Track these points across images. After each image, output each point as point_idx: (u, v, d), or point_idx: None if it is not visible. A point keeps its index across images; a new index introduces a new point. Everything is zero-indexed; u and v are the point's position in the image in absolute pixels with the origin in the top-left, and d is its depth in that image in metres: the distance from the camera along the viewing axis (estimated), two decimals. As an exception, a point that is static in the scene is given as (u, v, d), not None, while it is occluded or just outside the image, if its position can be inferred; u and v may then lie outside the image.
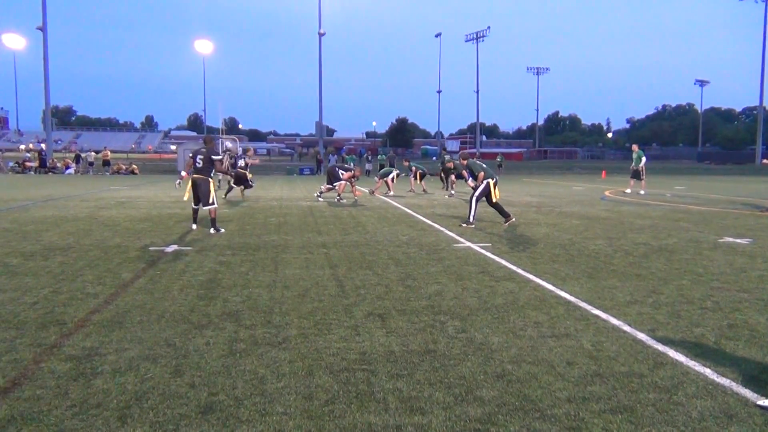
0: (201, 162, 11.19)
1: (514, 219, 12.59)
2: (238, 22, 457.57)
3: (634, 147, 23.84)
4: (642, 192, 22.52)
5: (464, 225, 12.24)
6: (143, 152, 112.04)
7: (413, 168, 23.75)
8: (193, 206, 11.53)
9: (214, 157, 11.29)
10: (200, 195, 11.23)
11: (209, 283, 6.90)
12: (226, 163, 11.26)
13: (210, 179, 11.28)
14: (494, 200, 12.36)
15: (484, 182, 12.29)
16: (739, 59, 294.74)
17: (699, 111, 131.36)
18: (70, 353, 4.46)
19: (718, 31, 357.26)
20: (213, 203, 11.28)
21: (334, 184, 18.48)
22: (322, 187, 19.45)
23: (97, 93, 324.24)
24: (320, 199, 18.97)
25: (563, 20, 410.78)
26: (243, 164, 19.25)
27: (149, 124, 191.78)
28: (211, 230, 11.16)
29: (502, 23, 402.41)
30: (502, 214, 12.41)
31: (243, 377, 4.04)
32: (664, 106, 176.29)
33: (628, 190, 22.93)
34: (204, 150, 11.28)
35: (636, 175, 22.92)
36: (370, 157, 46.81)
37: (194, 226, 11.54)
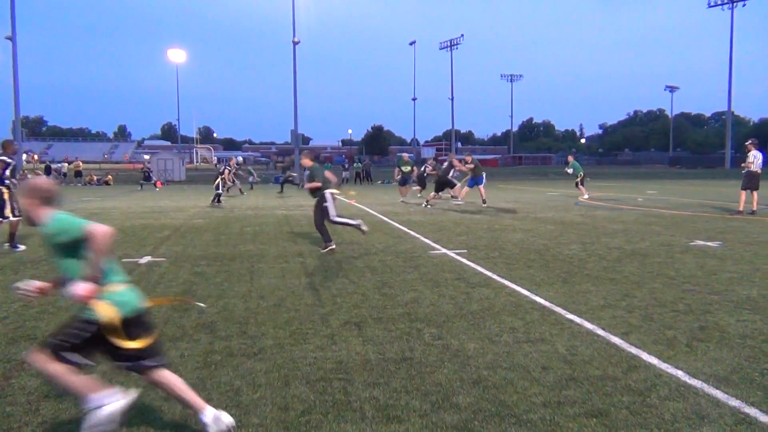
0: None
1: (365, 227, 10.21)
2: (212, 30, 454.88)
3: (570, 158, 24.48)
4: (586, 196, 22.76)
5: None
6: (116, 162, 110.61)
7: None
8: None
9: None
10: None
11: (184, 294, 6.83)
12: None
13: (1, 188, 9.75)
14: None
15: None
16: (708, 65, 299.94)
17: (669, 116, 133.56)
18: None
19: (687, 37, 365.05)
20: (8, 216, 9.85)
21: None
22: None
23: (69, 103, 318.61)
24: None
25: (536, 28, 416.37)
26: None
27: (122, 133, 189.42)
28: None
29: (476, 31, 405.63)
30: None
31: (218, 389, 4.01)
32: (635, 112, 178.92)
33: (585, 196, 23.24)
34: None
35: (580, 182, 23.18)
36: (347, 165, 46.83)
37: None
